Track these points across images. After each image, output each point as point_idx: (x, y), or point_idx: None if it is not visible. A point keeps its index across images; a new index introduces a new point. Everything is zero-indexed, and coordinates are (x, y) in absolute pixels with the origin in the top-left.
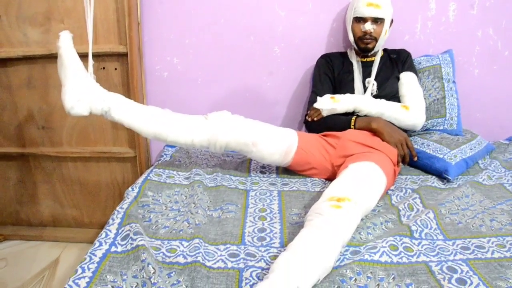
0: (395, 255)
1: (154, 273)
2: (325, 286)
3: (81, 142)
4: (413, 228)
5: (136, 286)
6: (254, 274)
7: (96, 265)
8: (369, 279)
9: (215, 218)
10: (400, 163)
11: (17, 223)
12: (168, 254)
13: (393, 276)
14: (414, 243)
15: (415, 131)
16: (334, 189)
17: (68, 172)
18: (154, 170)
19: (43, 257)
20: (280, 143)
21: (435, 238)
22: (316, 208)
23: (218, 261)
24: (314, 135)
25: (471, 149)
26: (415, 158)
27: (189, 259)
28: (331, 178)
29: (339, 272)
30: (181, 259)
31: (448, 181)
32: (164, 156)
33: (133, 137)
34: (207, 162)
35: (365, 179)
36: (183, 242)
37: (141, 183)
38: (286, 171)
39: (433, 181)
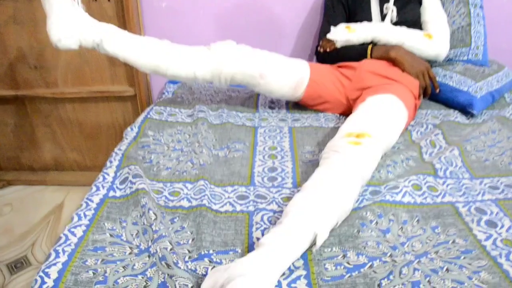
0: (419, 196)
1: (155, 219)
2: (344, 230)
3: (77, 82)
4: (437, 166)
5: (136, 233)
6: (265, 217)
7: (93, 211)
8: (391, 222)
9: (221, 158)
10: (421, 96)
11: (19, 168)
12: (171, 198)
13: (417, 218)
14: (438, 182)
15: (435, 62)
16: (352, 124)
17: (66, 114)
18: (154, 108)
19: (48, 202)
20: (291, 74)
21: (460, 177)
22: (332, 145)
23: (225, 204)
24: (327, 66)
25: (498, 81)
26: (437, 90)
27: (194, 203)
28: (346, 113)
29: (359, 214)
30: (185, 203)
31: (472, 116)
32: (166, 93)
33: (132, 74)
34: (211, 98)
35: (385, 113)
36: (187, 184)
37: (141, 122)
38: (297, 106)
39: (456, 116)
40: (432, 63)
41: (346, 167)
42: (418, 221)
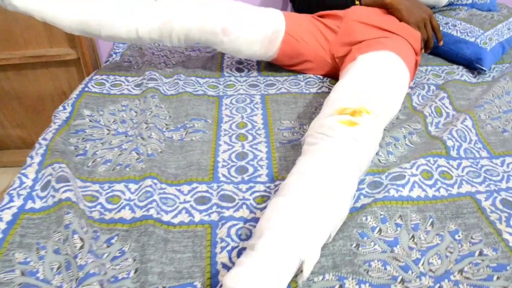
0: (430, 186)
1: (82, 247)
2: (338, 246)
3: (7, 46)
4: (448, 143)
5: (58, 268)
6: (233, 231)
7: (1, 235)
8: (399, 229)
9: (176, 142)
10: (422, 50)
11: None
12: (109, 206)
13: (431, 220)
14: (452, 166)
15: (434, 7)
16: (344, 95)
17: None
18: (94, 77)
19: None
20: (261, 28)
21: (477, 155)
22: (319, 125)
23: (180, 212)
24: (306, 16)
25: (509, 29)
26: (441, 43)
27: (138, 213)
28: (331, 73)
29: (357, 220)
30: (127, 213)
31: (479, 72)
32: (114, 55)
33: (73, 34)
34: (165, 60)
35: (383, 77)
36: (131, 185)
37: (75, 98)
38: (271, 66)
39: (461, 73)
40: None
41: (341, 159)
42: (432, 224)
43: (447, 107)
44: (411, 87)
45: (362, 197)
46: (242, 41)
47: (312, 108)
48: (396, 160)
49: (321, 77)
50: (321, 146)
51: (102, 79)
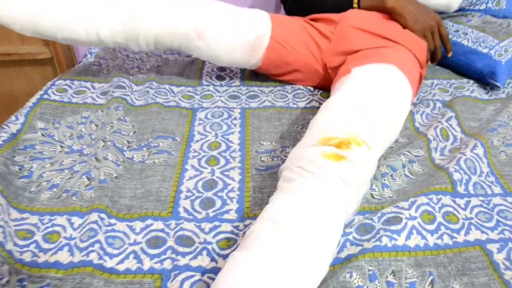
0: (432, 232)
1: None
2: None
3: None
4: (455, 176)
5: None
6: (187, 285)
7: None
8: None
9: (136, 165)
10: (428, 62)
11: None
12: (45, 246)
13: (431, 278)
14: (459, 205)
15: (443, 13)
16: (331, 119)
17: None
18: (57, 82)
19: None
20: (243, 32)
21: (489, 192)
22: (299, 156)
23: (127, 256)
24: (296, 19)
25: None
26: (450, 54)
27: (77, 257)
28: (322, 85)
29: (339, 278)
30: (64, 256)
31: (492, 88)
32: (88, 56)
33: None
34: (140, 65)
35: (382, 97)
36: (74, 218)
37: (30, 107)
38: (256, 75)
39: (471, 88)
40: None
41: (323, 204)
42: (432, 283)
43: (454, 129)
44: (414, 104)
45: (348, 244)
46: (220, 46)
47: (298, 127)
48: (392, 195)
49: (311, 89)
50: (300, 185)
51: (66, 84)
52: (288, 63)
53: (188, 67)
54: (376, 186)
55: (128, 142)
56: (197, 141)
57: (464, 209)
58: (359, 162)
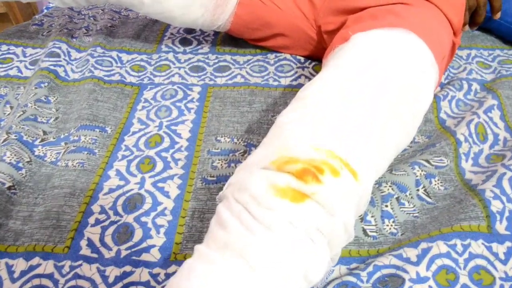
0: None
1: None
2: None
3: None
4: (494, 204)
5: None
6: None
7: None
8: None
9: (45, 168)
10: (466, 26)
11: None
12: None
13: None
14: (496, 255)
15: None
16: (301, 118)
17: None
18: None
19: None
20: None
21: None
22: (243, 184)
23: None
24: None
25: None
26: (497, 15)
27: None
28: (316, 55)
29: None
30: None
31: None
32: (45, 11)
33: None
34: (90, 24)
35: (391, 81)
36: None
37: None
38: (234, 39)
39: None
40: None
41: (267, 269)
42: None
43: (496, 125)
44: (440, 86)
45: None
46: (171, 3)
47: (274, 115)
48: (395, 231)
49: (302, 59)
50: (235, 241)
51: None
52: (267, 24)
53: (149, 27)
54: (372, 217)
55: (44, 132)
56: (134, 133)
57: (504, 263)
58: (334, 203)
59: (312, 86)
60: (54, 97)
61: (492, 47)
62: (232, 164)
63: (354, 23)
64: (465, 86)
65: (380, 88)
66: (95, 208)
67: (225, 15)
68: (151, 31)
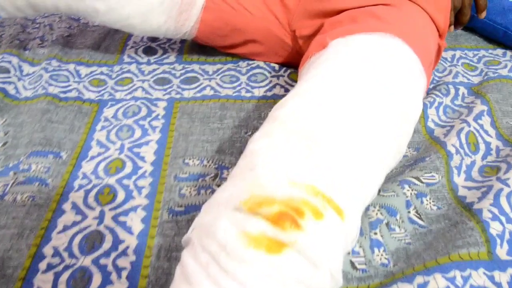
0: None
1: None
2: None
3: None
4: (494, 227)
5: None
6: None
7: None
8: None
9: None
10: (452, 27)
11: None
12: None
13: None
14: (500, 284)
15: None
16: (276, 144)
17: None
18: None
19: None
20: None
21: None
22: (209, 229)
23: None
24: None
25: None
26: (483, 14)
27: None
28: (292, 62)
29: None
30: None
31: None
32: None
33: None
34: (45, 33)
35: (376, 95)
36: None
37: None
38: (202, 46)
39: (509, 64)
40: None
41: None
42: None
43: (487, 133)
44: (426, 92)
45: None
46: (129, 10)
47: (248, 131)
48: (387, 263)
49: (276, 67)
50: None
51: None
52: (237, 30)
53: (110, 35)
54: (360, 247)
55: None
56: (92, 158)
57: None
58: (318, 251)
59: (287, 104)
60: (3, 119)
61: (476, 47)
62: (202, 191)
63: (332, 28)
64: (452, 90)
65: (366, 104)
66: (47, 250)
67: (190, 21)
68: (113, 40)
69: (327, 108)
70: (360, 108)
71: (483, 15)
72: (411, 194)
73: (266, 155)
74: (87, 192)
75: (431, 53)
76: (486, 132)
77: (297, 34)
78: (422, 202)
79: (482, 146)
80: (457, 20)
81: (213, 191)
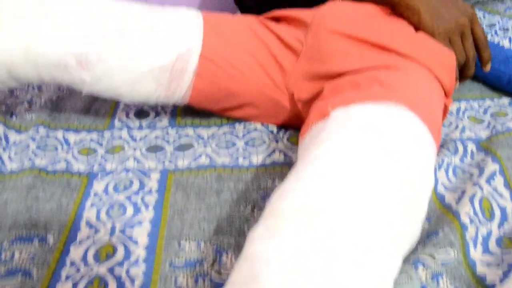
0: None
1: None
2: None
3: None
4: None
5: None
6: None
7: None
8: None
9: None
10: (457, 82)
11: None
12: None
13: None
14: None
15: None
16: (279, 248)
17: None
18: None
19: None
20: (153, 52)
21: None
22: None
23: None
24: (248, 19)
25: None
26: (487, 67)
27: None
28: (290, 123)
29: None
30: None
31: None
32: None
33: None
34: (33, 97)
35: (386, 176)
36: None
37: None
38: (195, 109)
39: None
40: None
41: None
42: None
43: (501, 196)
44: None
45: None
46: (117, 79)
47: (248, 205)
48: None
49: (274, 129)
50: None
51: None
52: (232, 94)
53: (97, 101)
54: None
55: None
56: (81, 242)
57: None
58: None
59: (289, 194)
60: None
61: (481, 97)
62: (200, 280)
63: (332, 94)
64: (460, 148)
65: (377, 189)
66: None
67: (181, 88)
68: (103, 102)
69: (336, 202)
70: (371, 196)
71: (488, 67)
72: (426, 275)
73: (270, 268)
74: (75, 286)
75: (439, 120)
76: (500, 195)
77: (295, 97)
78: (438, 284)
79: (497, 212)
80: (462, 74)
81: (211, 280)
